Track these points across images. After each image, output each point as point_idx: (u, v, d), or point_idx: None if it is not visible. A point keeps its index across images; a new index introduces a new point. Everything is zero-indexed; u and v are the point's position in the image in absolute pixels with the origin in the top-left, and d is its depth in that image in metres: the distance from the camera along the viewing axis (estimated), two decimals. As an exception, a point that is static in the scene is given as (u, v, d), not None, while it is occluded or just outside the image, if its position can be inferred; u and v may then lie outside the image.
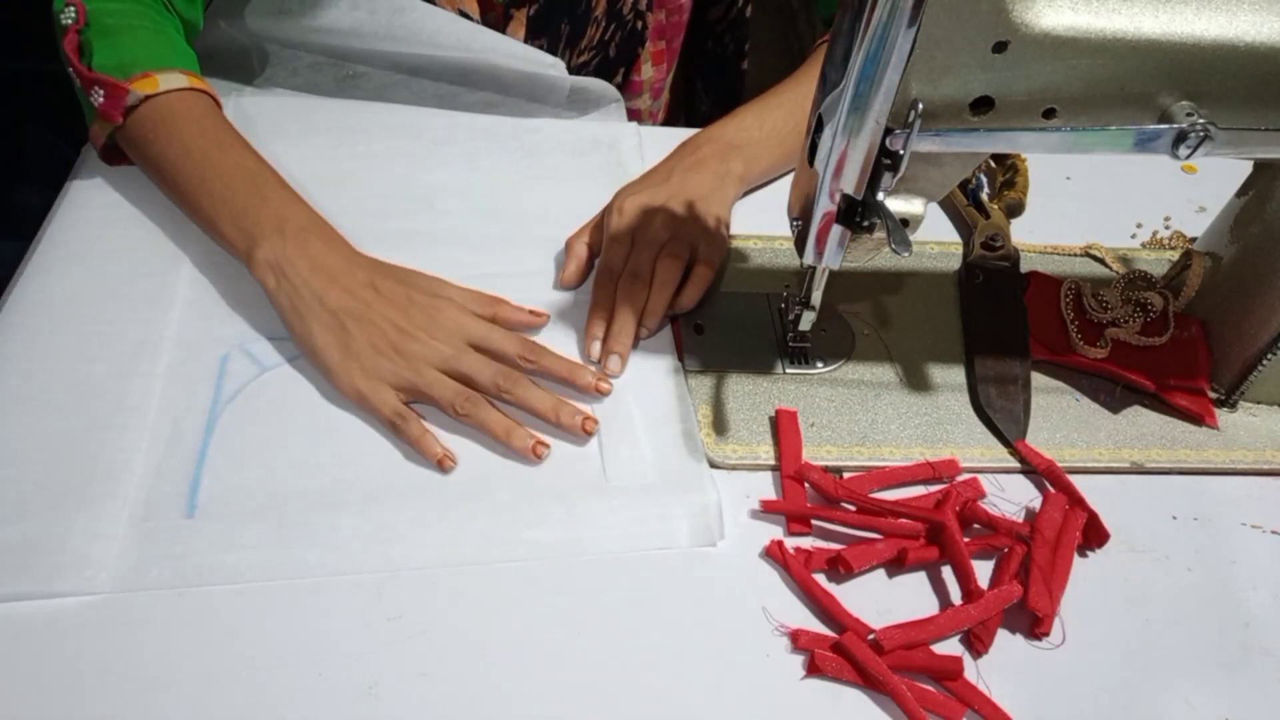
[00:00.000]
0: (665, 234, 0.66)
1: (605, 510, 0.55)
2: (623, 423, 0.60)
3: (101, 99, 0.64)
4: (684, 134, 0.76)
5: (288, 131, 0.76)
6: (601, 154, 0.79)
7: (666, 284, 0.64)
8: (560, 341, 0.64)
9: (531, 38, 0.82)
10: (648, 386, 0.62)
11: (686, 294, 0.65)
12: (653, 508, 0.56)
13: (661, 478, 0.57)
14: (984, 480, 0.60)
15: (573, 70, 0.84)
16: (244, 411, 0.58)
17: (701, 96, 1.01)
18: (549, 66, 0.79)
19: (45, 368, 0.59)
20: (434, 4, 0.77)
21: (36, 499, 0.52)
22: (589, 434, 0.58)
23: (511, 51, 0.78)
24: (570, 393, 0.61)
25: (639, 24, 0.86)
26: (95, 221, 0.68)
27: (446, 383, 0.58)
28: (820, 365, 0.65)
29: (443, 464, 0.56)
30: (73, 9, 0.66)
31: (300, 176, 0.67)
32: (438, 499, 0.55)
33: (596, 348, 0.63)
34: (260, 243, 0.61)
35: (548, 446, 0.57)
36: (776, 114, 0.75)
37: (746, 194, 0.76)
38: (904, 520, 0.56)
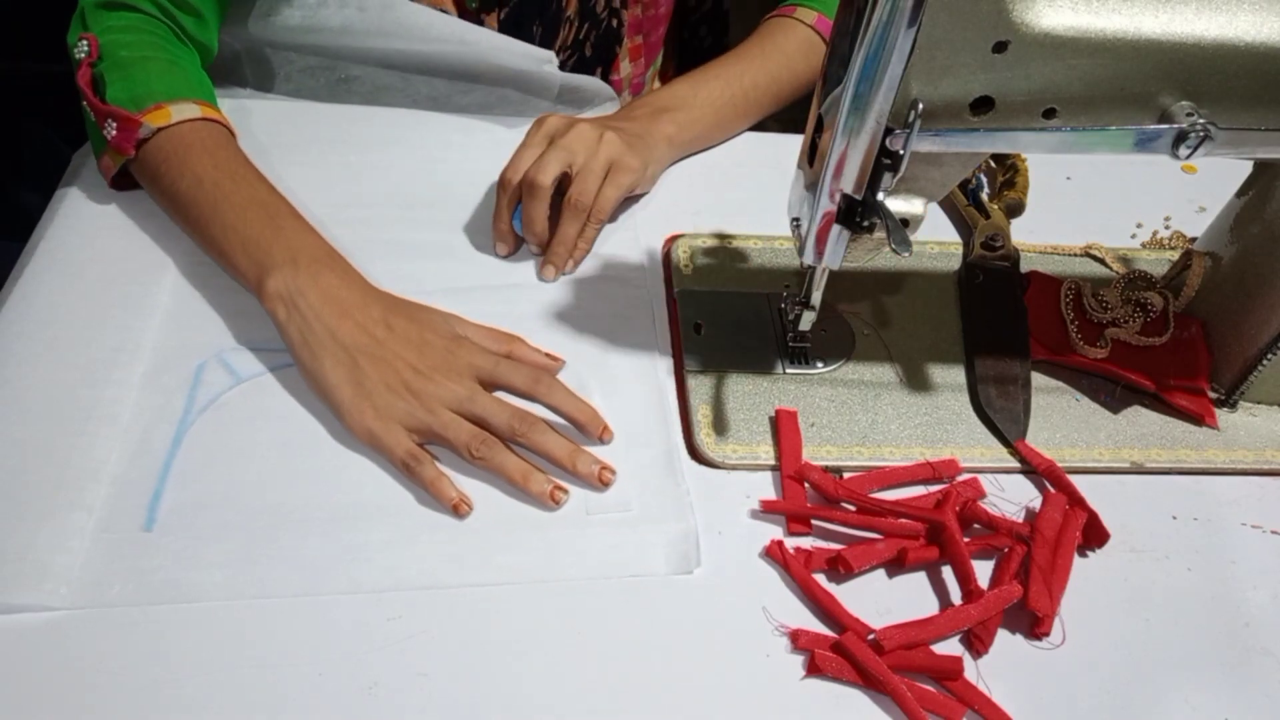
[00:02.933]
0: (583, 152, 0.68)
1: (581, 539, 0.54)
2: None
3: (115, 132, 0.64)
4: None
5: (279, 138, 0.75)
6: None
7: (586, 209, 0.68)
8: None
9: None
10: (629, 409, 0.61)
11: (604, 194, 0.68)
12: (629, 536, 0.55)
13: (640, 505, 0.56)
14: (984, 480, 0.60)
15: None
16: (216, 423, 0.57)
17: None
18: (543, 61, 0.79)
19: (22, 374, 0.58)
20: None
21: (2, 508, 0.52)
22: (605, 484, 0.56)
23: (509, 47, 0.78)
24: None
25: (614, 21, 0.86)
26: (85, 229, 0.67)
27: (462, 425, 0.56)
28: (820, 365, 0.65)
29: (458, 509, 0.54)
30: (86, 43, 0.66)
31: (287, 184, 0.66)
32: (409, 521, 0.54)
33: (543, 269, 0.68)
34: (272, 273, 0.59)
35: (566, 492, 0.56)
36: (714, 84, 0.77)
37: (729, 194, 0.77)
38: (904, 520, 0.56)
